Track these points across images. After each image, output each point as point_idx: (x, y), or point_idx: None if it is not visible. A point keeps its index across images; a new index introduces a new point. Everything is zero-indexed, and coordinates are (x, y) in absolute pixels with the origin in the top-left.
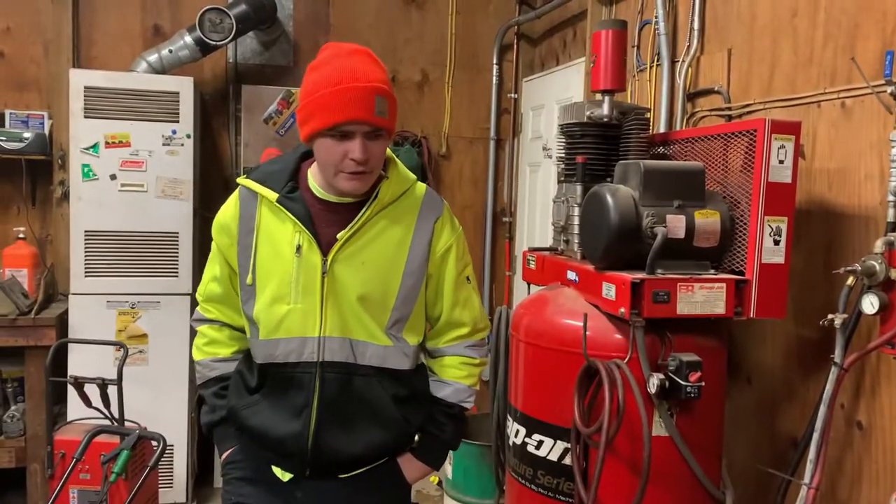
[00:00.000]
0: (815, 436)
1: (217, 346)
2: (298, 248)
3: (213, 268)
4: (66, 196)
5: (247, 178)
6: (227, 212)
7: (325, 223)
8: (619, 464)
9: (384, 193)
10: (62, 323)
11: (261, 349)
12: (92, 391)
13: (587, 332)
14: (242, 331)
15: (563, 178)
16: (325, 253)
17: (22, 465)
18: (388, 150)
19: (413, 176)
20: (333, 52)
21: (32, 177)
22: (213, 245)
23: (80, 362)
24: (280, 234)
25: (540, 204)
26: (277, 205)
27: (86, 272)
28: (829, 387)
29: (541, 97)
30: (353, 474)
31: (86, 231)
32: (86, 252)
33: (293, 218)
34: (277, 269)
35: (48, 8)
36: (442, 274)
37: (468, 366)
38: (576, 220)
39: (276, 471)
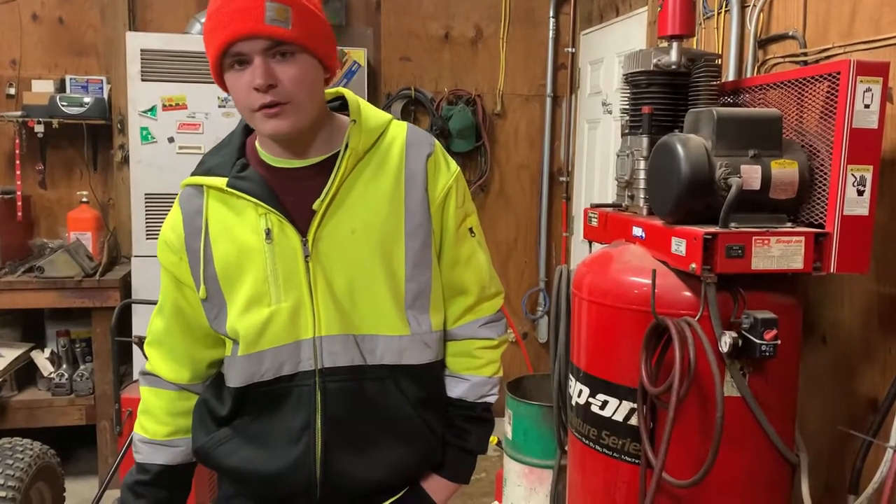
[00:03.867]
0: None
1: (149, 420)
2: (268, 233)
3: (160, 298)
4: (125, 160)
5: (190, 175)
6: (168, 223)
7: (292, 195)
8: (689, 425)
9: (355, 141)
10: (126, 284)
11: (240, 370)
12: None
13: (655, 290)
14: (191, 391)
15: (627, 131)
16: (302, 232)
17: (92, 423)
18: (350, 92)
19: (387, 115)
20: None
21: (93, 141)
22: (161, 271)
23: (144, 323)
24: (240, 225)
25: (599, 162)
26: (229, 190)
27: (147, 235)
28: None
29: (599, 51)
30: None
31: (146, 194)
32: (146, 215)
33: (251, 199)
34: (247, 266)
35: None
36: (444, 225)
37: (485, 350)
38: (642, 175)
39: None
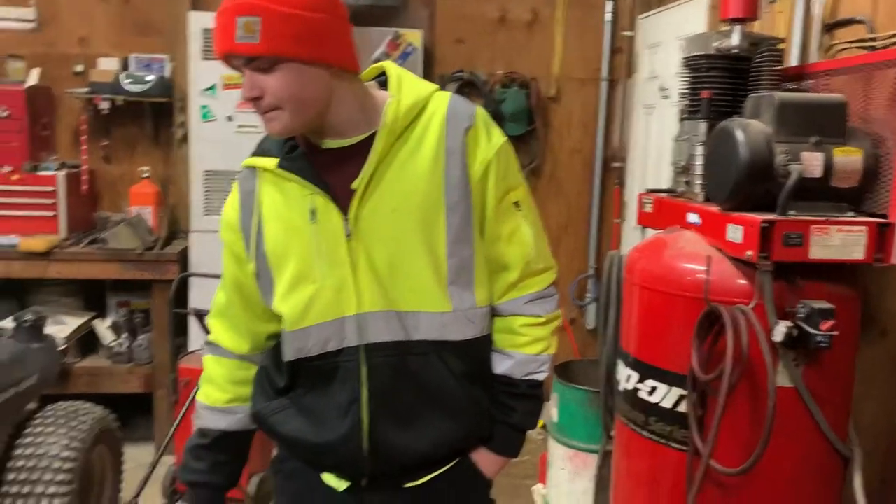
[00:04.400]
0: None
1: (210, 387)
2: (313, 213)
3: (223, 273)
4: (185, 137)
5: (249, 156)
6: (228, 202)
7: (336, 175)
8: (739, 414)
9: (392, 117)
10: (184, 258)
11: (290, 344)
12: None
13: (709, 277)
14: (250, 361)
15: (685, 116)
16: (344, 211)
17: (149, 391)
18: (392, 66)
19: (431, 85)
20: None
21: (155, 118)
22: (223, 248)
23: (201, 296)
24: (288, 205)
25: (654, 148)
26: (280, 171)
27: (204, 210)
28: None
29: (658, 34)
30: (424, 481)
31: (204, 171)
32: (205, 191)
33: (299, 179)
34: (294, 245)
35: None
36: (484, 200)
37: (531, 327)
38: (699, 160)
39: (329, 479)
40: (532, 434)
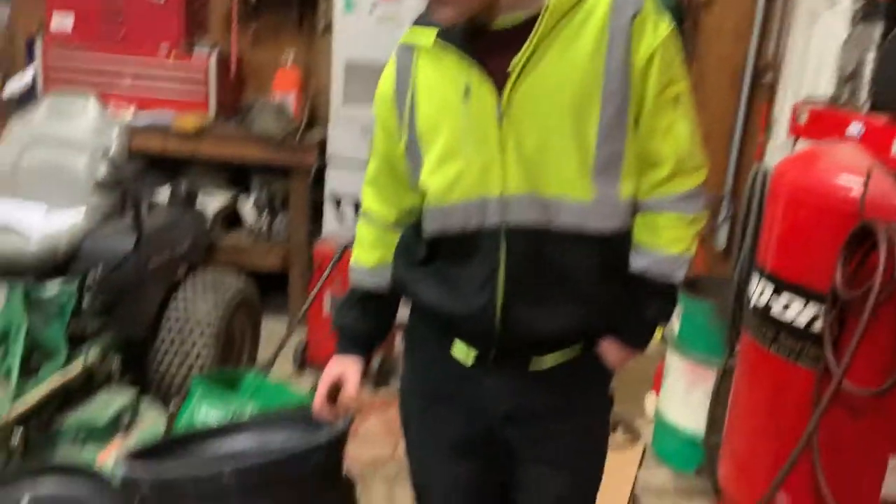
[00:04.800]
0: None
1: (362, 249)
2: (467, 91)
3: (374, 144)
4: (328, 27)
5: (412, 25)
6: (384, 76)
7: (494, 54)
8: (880, 335)
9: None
10: (322, 147)
11: (431, 220)
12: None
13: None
14: (395, 230)
15: (858, 20)
16: (500, 90)
17: (286, 269)
18: None
19: None
20: None
21: (301, 6)
22: (375, 119)
23: (337, 184)
24: (443, 82)
25: (814, 61)
26: (438, 43)
27: (344, 101)
28: None
29: None
30: (549, 368)
31: (346, 60)
32: (345, 82)
33: (456, 51)
34: (445, 121)
35: None
36: (644, 92)
37: (676, 225)
38: (869, 66)
39: (459, 350)
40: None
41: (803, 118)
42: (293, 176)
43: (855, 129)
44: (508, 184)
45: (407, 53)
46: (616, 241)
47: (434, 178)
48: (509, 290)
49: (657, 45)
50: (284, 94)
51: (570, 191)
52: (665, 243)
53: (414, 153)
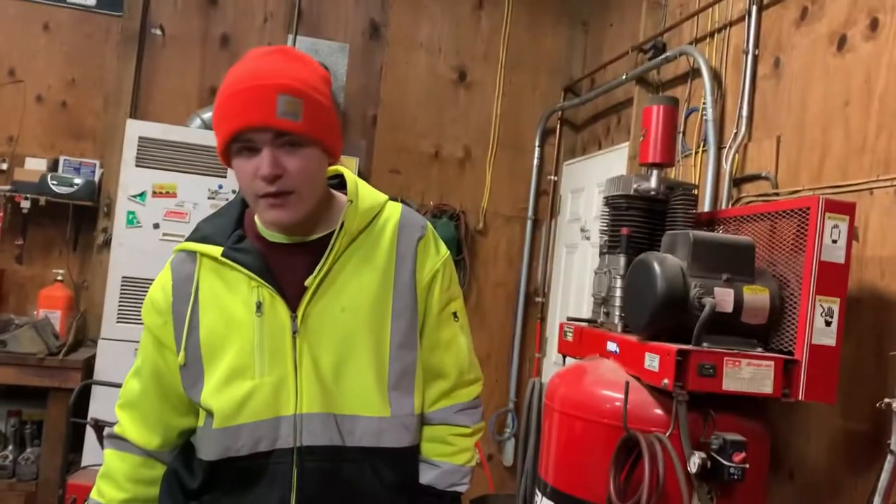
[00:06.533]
0: None
1: (107, 485)
2: (259, 306)
3: (137, 360)
4: (107, 243)
5: (184, 241)
6: (157, 284)
7: (286, 271)
8: None
9: (350, 221)
10: (88, 367)
11: (214, 443)
12: None
13: (627, 404)
14: (157, 459)
15: (605, 250)
16: (293, 308)
17: None
18: (348, 172)
19: (383, 195)
20: (251, 54)
21: (77, 222)
22: (143, 332)
23: (101, 408)
24: (230, 296)
25: (575, 285)
26: (223, 260)
27: (118, 318)
28: (884, 476)
29: (580, 180)
30: None
31: (123, 277)
32: (120, 298)
33: (246, 272)
34: (233, 338)
35: (113, 64)
36: (427, 307)
37: (459, 437)
38: (618, 292)
39: None
40: None
41: (569, 336)
42: (50, 401)
43: (613, 346)
44: (303, 402)
45: (187, 263)
46: (407, 457)
47: (219, 398)
48: None
49: (439, 265)
50: (50, 311)
51: (367, 408)
52: (450, 455)
53: (193, 369)
